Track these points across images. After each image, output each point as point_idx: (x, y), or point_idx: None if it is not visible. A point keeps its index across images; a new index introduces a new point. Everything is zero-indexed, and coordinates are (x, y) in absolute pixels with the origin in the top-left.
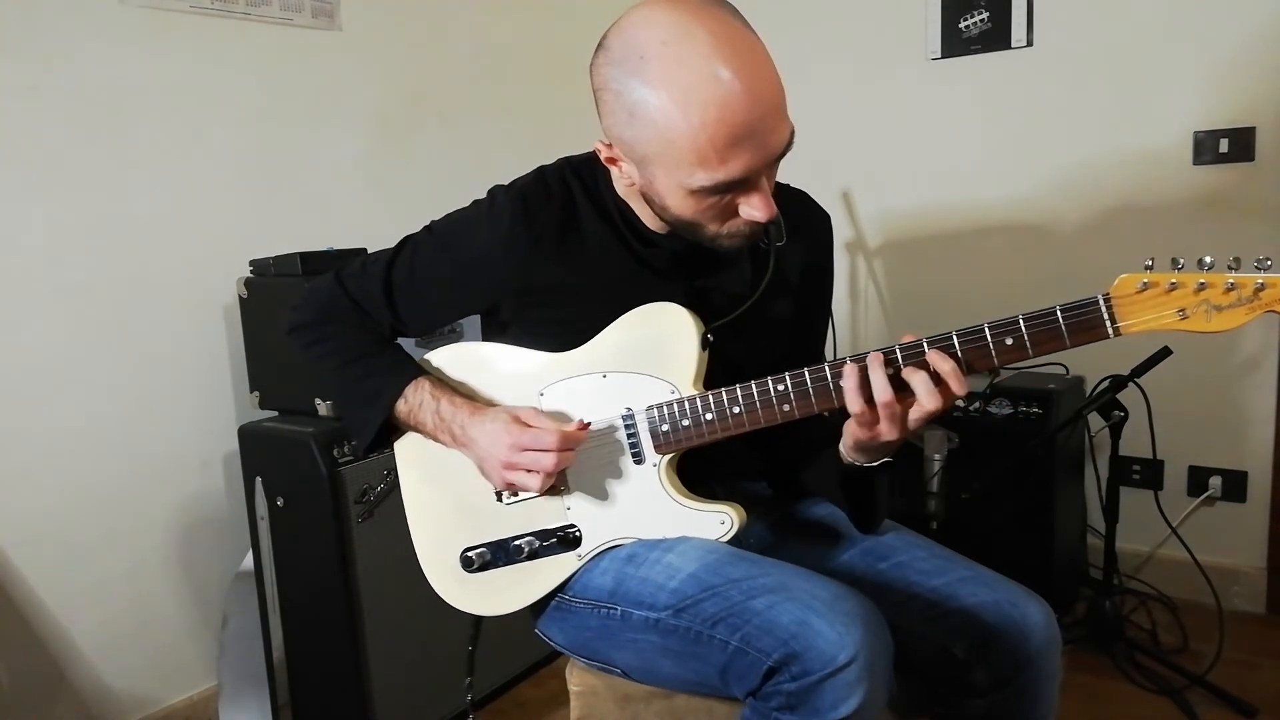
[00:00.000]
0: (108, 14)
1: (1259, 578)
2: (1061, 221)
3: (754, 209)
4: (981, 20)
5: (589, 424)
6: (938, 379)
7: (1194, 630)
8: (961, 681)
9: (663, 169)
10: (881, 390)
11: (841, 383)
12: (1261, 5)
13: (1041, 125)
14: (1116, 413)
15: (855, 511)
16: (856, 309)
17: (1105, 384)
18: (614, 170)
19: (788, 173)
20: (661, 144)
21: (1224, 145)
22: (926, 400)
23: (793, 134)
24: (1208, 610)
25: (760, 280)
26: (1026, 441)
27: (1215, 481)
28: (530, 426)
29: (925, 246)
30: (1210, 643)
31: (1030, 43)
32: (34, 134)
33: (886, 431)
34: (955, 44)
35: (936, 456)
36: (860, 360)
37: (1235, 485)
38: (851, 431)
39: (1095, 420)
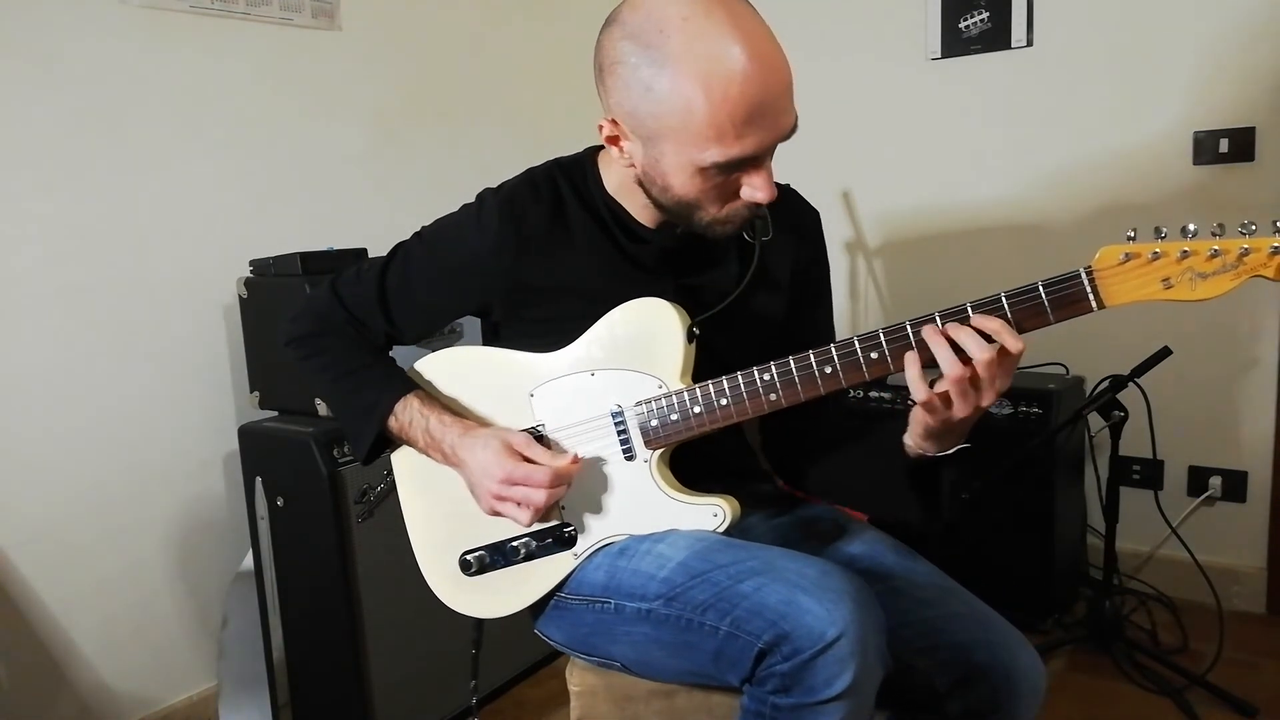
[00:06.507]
0: (108, 14)
1: (1259, 578)
2: (1062, 221)
3: (756, 189)
4: (981, 20)
5: (582, 459)
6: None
7: (1194, 630)
8: (933, 706)
9: (674, 145)
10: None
11: (906, 372)
12: (1261, 5)
13: (1041, 125)
14: (1116, 413)
15: (920, 505)
16: (856, 309)
17: (1105, 384)
18: (613, 151)
19: (786, 172)
20: (679, 118)
21: (1224, 145)
22: (981, 352)
23: (797, 120)
24: (1208, 610)
25: (746, 275)
26: (1026, 441)
27: (1215, 481)
28: (523, 458)
29: (925, 246)
30: (1210, 643)
31: (1030, 43)
32: (34, 134)
33: (959, 408)
34: (955, 44)
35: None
36: (896, 341)
37: (1235, 485)
38: (919, 418)
39: (1095, 420)
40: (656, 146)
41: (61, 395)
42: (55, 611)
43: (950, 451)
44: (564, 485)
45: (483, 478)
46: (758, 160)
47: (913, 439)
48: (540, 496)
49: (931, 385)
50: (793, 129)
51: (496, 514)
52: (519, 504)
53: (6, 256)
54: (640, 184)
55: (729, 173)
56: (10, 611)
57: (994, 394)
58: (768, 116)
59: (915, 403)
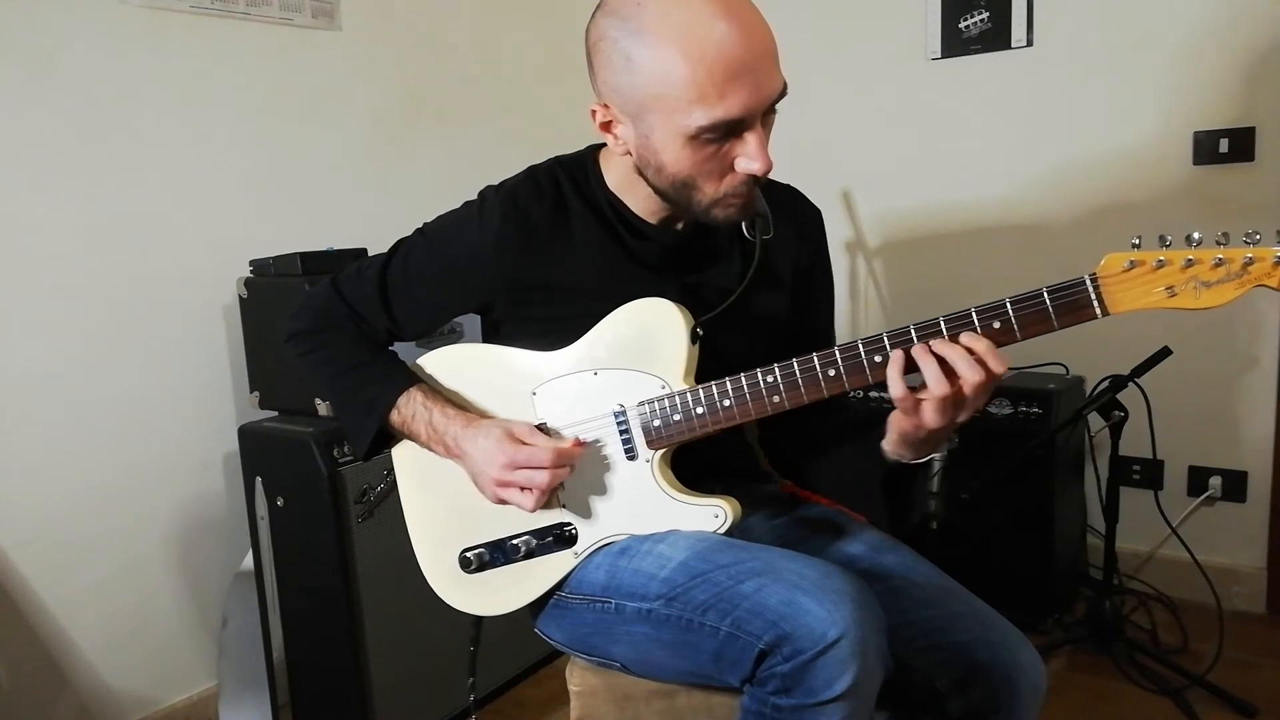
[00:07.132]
0: (108, 14)
1: (1259, 578)
2: (1062, 222)
3: (751, 159)
4: (981, 20)
5: (585, 441)
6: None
7: (1194, 630)
8: (933, 706)
9: (661, 115)
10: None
11: (887, 370)
12: (1261, 5)
13: (1041, 125)
14: (1116, 413)
15: (892, 508)
16: (856, 309)
17: (1105, 384)
18: (607, 138)
19: (787, 172)
20: (660, 84)
21: (1224, 145)
22: (970, 374)
23: (785, 86)
24: (1208, 610)
25: (747, 273)
26: (1026, 441)
27: (1215, 481)
28: (524, 443)
29: (925, 246)
30: (1210, 643)
31: (1030, 43)
32: (34, 134)
33: (935, 420)
34: (955, 44)
35: (936, 456)
36: (899, 344)
37: (1235, 485)
38: (896, 424)
39: (1095, 420)
40: (644, 121)
41: (61, 395)
42: (55, 611)
43: (923, 460)
44: (567, 467)
45: (485, 465)
46: (747, 125)
47: (890, 445)
48: (543, 477)
49: (915, 392)
50: (780, 93)
51: (501, 501)
52: (523, 488)
53: (6, 256)
54: (638, 171)
55: (719, 140)
56: (10, 611)
57: (971, 411)
58: (749, 76)
59: (891, 400)
